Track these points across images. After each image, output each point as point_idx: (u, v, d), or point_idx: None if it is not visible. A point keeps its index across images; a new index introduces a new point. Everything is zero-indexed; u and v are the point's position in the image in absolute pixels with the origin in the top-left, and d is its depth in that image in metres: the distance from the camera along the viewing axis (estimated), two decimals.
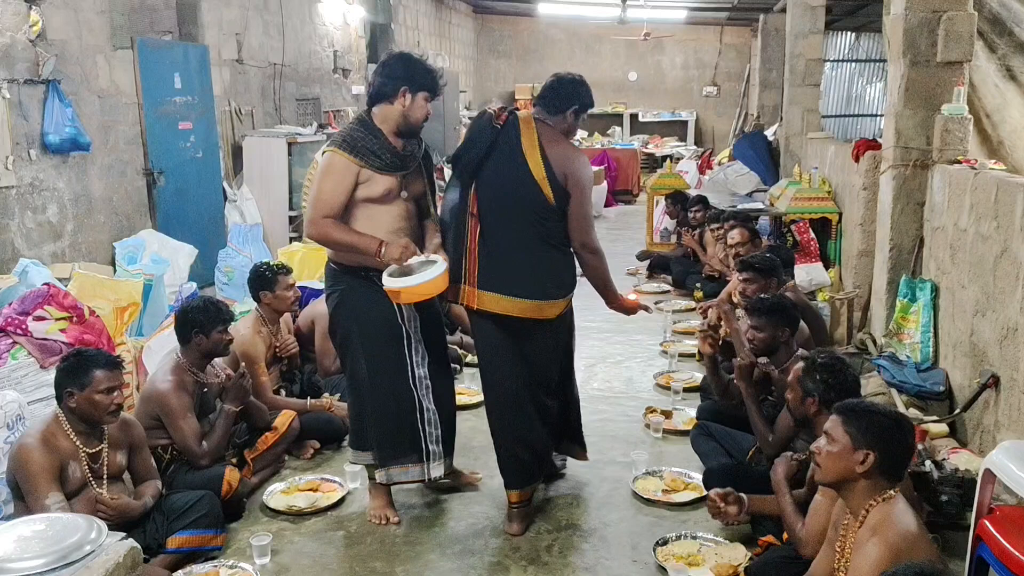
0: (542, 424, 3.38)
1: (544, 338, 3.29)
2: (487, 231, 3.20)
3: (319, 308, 4.67)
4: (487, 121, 3.23)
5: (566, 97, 3.28)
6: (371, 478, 3.48)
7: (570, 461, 3.90)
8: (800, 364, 2.95)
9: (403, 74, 3.16)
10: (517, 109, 3.31)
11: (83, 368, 2.90)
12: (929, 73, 4.56)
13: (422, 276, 3.05)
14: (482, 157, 3.19)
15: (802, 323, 4.01)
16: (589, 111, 3.38)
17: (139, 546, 2.31)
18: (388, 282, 3.06)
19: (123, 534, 2.27)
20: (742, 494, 3.00)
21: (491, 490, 3.69)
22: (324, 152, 3.23)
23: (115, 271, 5.36)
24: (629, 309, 3.55)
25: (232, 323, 3.69)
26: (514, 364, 3.27)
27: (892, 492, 2.23)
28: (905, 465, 2.30)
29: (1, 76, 4.72)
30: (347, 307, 3.29)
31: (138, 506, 3.02)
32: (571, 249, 3.30)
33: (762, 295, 3.79)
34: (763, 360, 3.56)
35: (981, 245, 3.75)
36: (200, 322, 3.49)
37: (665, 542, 3.19)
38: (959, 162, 4.35)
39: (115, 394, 2.91)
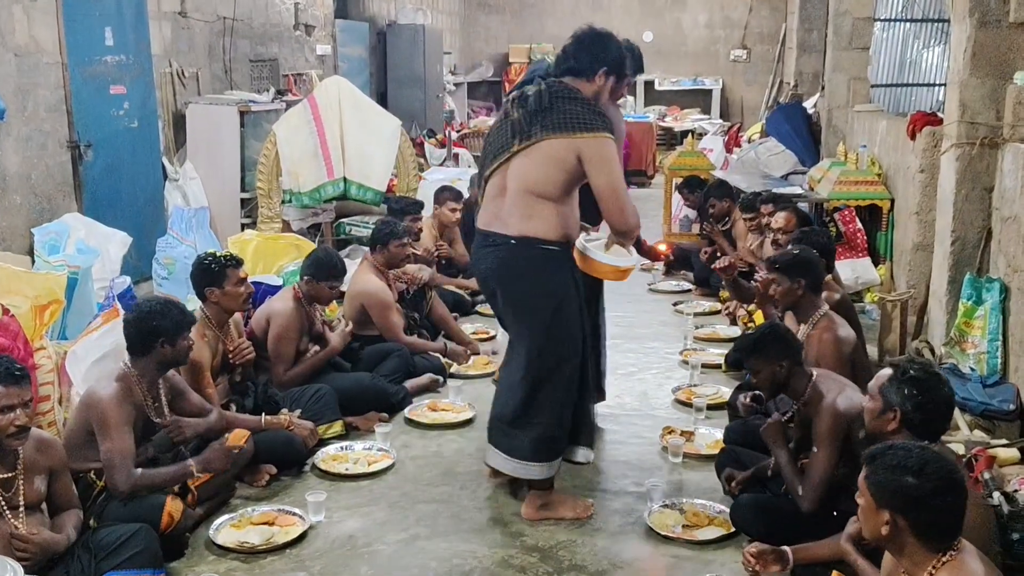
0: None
1: None
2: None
3: (275, 306, 4.67)
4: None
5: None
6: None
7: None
8: (887, 371, 2.93)
9: (607, 57, 3.61)
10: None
11: None
12: (1000, 35, 4.56)
13: (632, 258, 3.68)
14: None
15: (850, 332, 4.01)
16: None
17: None
18: (616, 260, 3.60)
19: None
20: (784, 548, 3.00)
21: (478, 525, 3.68)
22: (594, 136, 3.47)
23: (34, 262, 5.32)
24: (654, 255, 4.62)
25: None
26: None
27: (953, 553, 2.18)
28: (954, 531, 2.21)
29: None
30: (568, 273, 3.64)
31: (62, 540, 3.00)
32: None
33: (747, 333, 3.86)
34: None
35: None
36: (166, 330, 3.44)
37: None
38: None
39: (13, 414, 2.84)
